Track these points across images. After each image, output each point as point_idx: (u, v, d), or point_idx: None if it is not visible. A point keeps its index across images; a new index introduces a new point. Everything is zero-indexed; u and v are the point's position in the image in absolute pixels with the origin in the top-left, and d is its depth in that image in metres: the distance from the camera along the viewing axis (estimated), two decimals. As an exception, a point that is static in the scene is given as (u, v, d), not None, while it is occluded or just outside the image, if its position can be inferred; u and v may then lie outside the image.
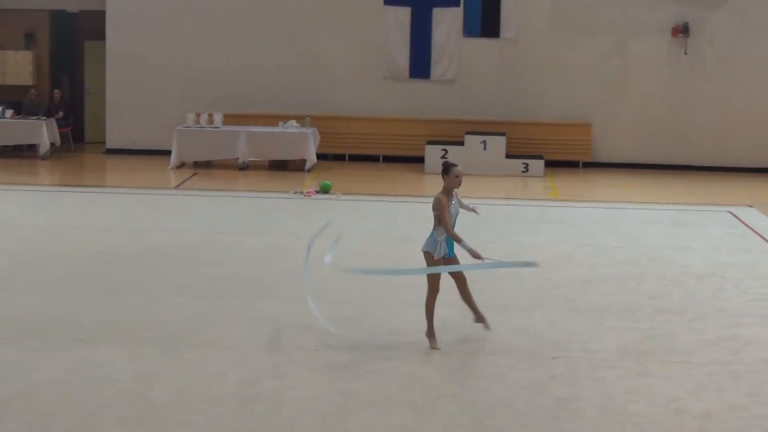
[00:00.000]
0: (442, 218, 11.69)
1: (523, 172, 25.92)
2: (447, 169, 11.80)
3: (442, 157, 25.77)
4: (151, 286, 14.45)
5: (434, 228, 11.84)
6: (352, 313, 13.22)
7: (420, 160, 26.40)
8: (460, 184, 11.80)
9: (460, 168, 11.90)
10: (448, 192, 11.81)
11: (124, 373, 10.88)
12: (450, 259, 11.96)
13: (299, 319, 12.91)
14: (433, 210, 11.80)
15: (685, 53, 27.10)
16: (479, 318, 12.25)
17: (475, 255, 11.56)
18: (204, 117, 25.98)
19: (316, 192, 22.20)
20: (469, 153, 25.87)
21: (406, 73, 27.56)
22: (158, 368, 11.08)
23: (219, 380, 10.74)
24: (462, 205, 12.06)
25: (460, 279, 12.13)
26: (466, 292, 12.20)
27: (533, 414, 10.05)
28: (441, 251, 11.81)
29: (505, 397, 10.45)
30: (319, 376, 10.96)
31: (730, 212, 21.11)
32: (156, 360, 11.33)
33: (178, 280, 14.80)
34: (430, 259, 11.85)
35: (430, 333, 11.99)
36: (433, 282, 11.95)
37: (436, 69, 27.52)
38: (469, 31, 27.40)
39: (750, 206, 21.83)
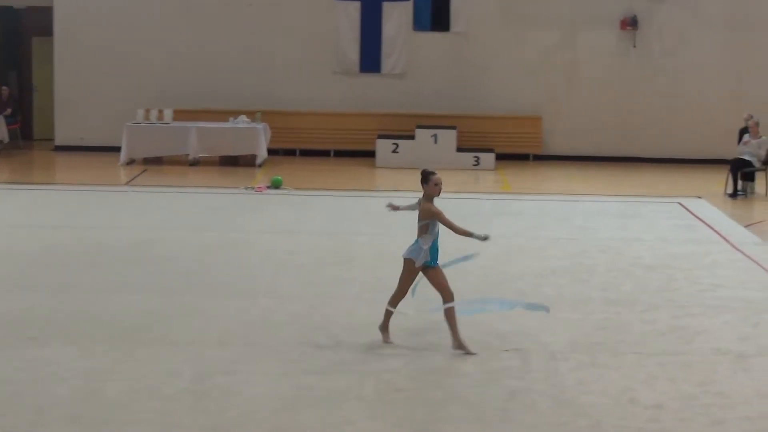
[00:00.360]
0: (444, 222, 11.41)
1: (474, 165, 25.96)
2: (426, 177, 11.49)
3: (393, 151, 25.81)
4: (100, 284, 14.33)
5: (419, 236, 11.55)
6: (303, 309, 13.17)
7: (371, 154, 26.38)
8: (440, 193, 11.52)
9: (438, 176, 11.54)
10: (430, 199, 11.53)
11: (75, 372, 10.78)
12: (431, 268, 11.60)
13: (249, 315, 12.86)
14: (422, 219, 11.50)
15: (634, 46, 27.26)
16: (458, 344, 11.64)
17: (485, 237, 11.46)
18: (154, 113, 25.84)
19: (267, 187, 22.13)
20: (419, 147, 25.89)
21: (357, 67, 27.54)
22: (109, 366, 10.99)
23: (171, 377, 10.66)
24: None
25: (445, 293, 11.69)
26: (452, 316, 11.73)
27: (485, 406, 10.05)
28: (423, 259, 11.56)
29: (457, 390, 10.45)
30: (271, 371, 10.91)
31: (679, 203, 21.25)
32: (107, 358, 11.24)
33: (127, 277, 14.69)
34: (411, 265, 11.55)
35: (385, 327, 11.93)
36: (404, 286, 11.73)
37: (387, 63, 27.52)
38: (419, 25, 27.42)
39: (699, 197, 21.98)
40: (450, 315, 11.56)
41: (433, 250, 11.60)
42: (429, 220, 11.50)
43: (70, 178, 23.42)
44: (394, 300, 11.84)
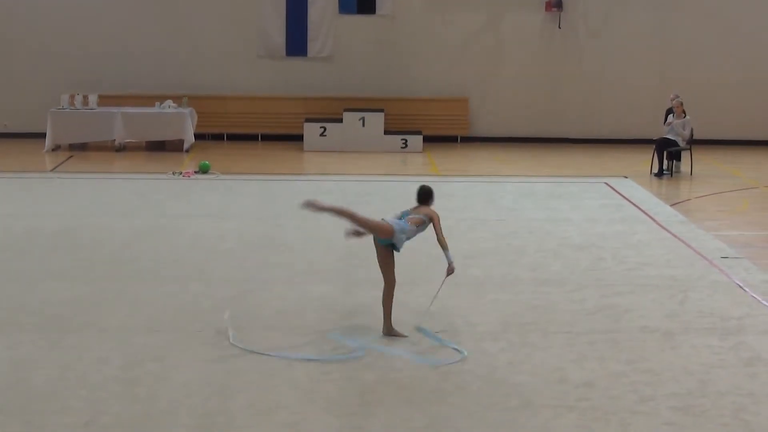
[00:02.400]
0: (437, 226, 11.51)
1: (402, 148, 25.96)
2: (431, 195, 12.07)
3: (321, 134, 25.77)
4: (26, 272, 14.16)
5: (412, 222, 11.59)
6: (235, 293, 13.12)
7: (299, 138, 26.31)
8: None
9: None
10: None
11: (2, 361, 10.66)
12: (390, 249, 11.59)
13: (179, 301, 12.78)
14: (427, 217, 11.69)
15: (559, 27, 27.38)
16: (388, 330, 11.70)
17: (451, 270, 11.44)
18: (78, 99, 25.56)
19: (195, 172, 21.99)
20: (347, 130, 25.86)
21: (283, 51, 27.41)
22: (37, 355, 10.87)
23: (99, 364, 10.58)
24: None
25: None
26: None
27: (417, 388, 10.07)
28: (401, 242, 11.52)
29: (387, 373, 10.46)
30: (201, 357, 10.85)
31: (606, 183, 21.40)
32: (34, 346, 11.12)
33: (52, 265, 14.53)
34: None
35: (389, 326, 11.63)
36: (389, 275, 11.62)
37: (313, 46, 27.42)
38: (344, 8, 27.34)
39: (625, 177, 22.16)
40: (386, 301, 11.56)
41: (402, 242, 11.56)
42: (427, 219, 11.58)
43: (-7, 166, 23.12)
44: (387, 296, 11.61)
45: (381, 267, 11.60)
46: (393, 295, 11.58)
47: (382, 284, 11.58)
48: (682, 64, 27.37)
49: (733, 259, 15.20)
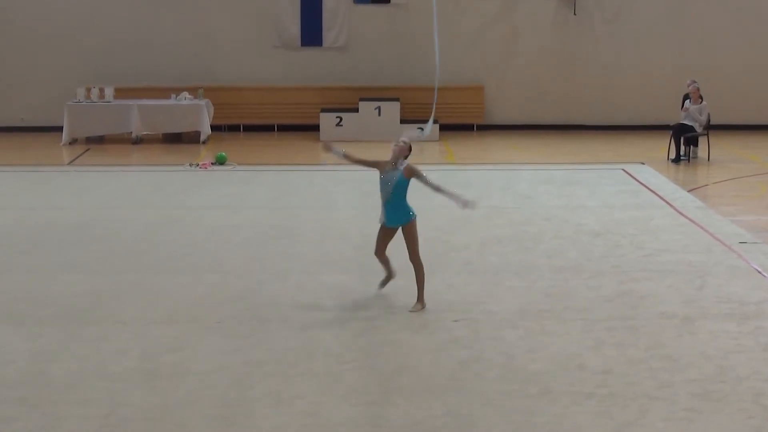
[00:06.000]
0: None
1: (418, 136, 25.93)
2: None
3: (337, 124, 25.78)
4: (42, 265, 14.21)
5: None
6: (249, 285, 13.15)
7: (315, 128, 26.29)
8: (400, 151, 12.22)
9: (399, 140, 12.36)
10: (391, 160, 12.28)
11: (22, 353, 10.71)
12: (390, 229, 12.14)
13: (196, 292, 12.81)
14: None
15: (574, 14, 27.30)
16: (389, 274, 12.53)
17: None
18: (95, 91, 25.58)
19: (212, 164, 22.01)
20: (363, 119, 25.86)
21: (298, 41, 27.40)
22: (56, 347, 10.92)
23: (119, 356, 10.62)
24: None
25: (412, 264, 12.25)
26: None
27: (436, 377, 10.09)
28: (379, 218, 12.16)
29: (407, 362, 10.48)
30: (221, 347, 10.88)
31: (623, 170, 21.35)
32: (53, 338, 11.17)
33: (70, 257, 14.57)
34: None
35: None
36: (376, 246, 12.30)
37: (328, 36, 27.41)
38: (359, -3, 27.32)
39: (642, 163, 22.10)
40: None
41: (389, 212, 12.12)
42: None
43: (10, 160, 23.16)
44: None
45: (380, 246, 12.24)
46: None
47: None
48: (699, 49, 27.27)
49: (751, 244, 15.16)
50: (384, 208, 12.10)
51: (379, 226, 12.24)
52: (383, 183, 12.09)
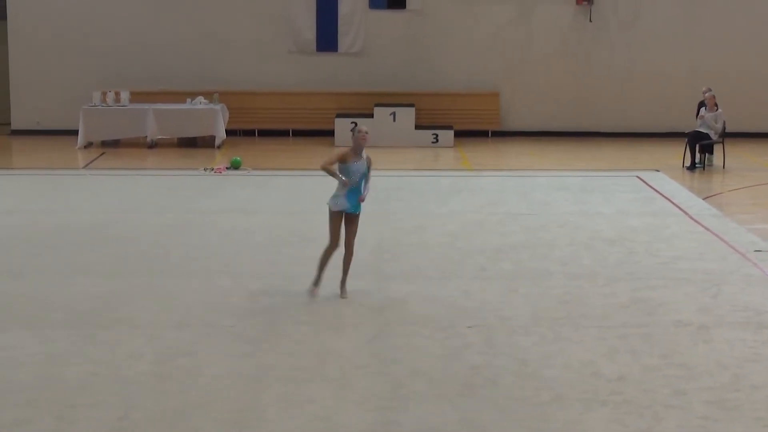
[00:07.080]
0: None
1: (432, 142, 25.93)
2: (352, 131, 12.82)
3: (351, 129, 25.72)
4: (56, 268, 14.21)
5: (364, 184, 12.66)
6: (264, 287, 13.13)
7: (330, 133, 26.30)
8: (361, 142, 12.54)
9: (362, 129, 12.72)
10: (354, 150, 12.57)
11: (36, 356, 10.71)
12: (352, 216, 12.58)
13: (209, 296, 12.80)
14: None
15: (590, 20, 27.27)
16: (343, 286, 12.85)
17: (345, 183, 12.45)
18: (110, 95, 25.63)
19: (227, 168, 22.02)
20: (378, 125, 25.83)
21: (313, 46, 27.43)
22: (69, 350, 10.91)
23: (131, 360, 10.61)
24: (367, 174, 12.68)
25: (348, 249, 12.70)
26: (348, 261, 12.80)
27: (449, 382, 10.05)
28: (338, 206, 12.49)
29: (420, 367, 10.45)
30: (232, 351, 10.87)
31: (637, 177, 21.31)
32: (66, 341, 11.16)
33: (84, 261, 14.57)
34: (329, 211, 12.58)
35: (316, 283, 12.72)
36: (333, 237, 12.57)
37: (343, 42, 27.43)
38: (374, 3, 27.32)
39: (657, 171, 22.05)
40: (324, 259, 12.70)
41: (350, 197, 12.58)
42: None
43: (26, 163, 23.22)
44: (326, 254, 12.73)
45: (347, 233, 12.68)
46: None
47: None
48: (714, 57, 27.22)
49: (766, 252, 15.10)
50: (346, 196, 12.49)
51: (331, 216, 12.60)
52: (353, 172, 12.53)
